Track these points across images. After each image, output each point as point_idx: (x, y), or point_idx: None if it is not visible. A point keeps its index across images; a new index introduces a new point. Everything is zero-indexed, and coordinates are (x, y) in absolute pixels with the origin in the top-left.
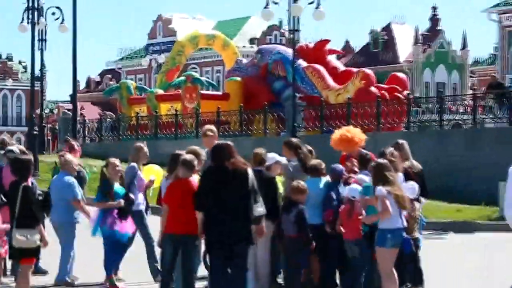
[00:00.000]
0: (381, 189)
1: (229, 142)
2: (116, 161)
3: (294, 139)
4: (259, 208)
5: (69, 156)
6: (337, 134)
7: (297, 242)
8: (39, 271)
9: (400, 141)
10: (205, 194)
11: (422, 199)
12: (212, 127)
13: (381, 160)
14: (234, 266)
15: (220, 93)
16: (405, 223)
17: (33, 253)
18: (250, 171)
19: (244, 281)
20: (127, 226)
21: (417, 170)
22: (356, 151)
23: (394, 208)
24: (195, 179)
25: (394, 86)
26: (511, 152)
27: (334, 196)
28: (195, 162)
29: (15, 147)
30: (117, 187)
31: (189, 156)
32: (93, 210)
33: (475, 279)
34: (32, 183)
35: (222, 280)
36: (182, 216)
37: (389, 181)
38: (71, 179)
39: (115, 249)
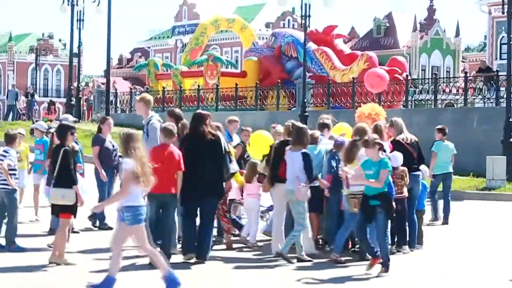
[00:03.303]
0: None
1: (205, 112)
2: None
3: (176, 109)
4: (234, 166)
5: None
6: (362, 109)
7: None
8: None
9: (394, 118)
10: (185, 156)
11: (424, 168)
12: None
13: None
14: (206, 216)
15: (238, 71)
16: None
17: (70, 210)
18: (221, 136)
19: (211, 230)
20: None
21: (411, 141)
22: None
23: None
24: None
25: (394, 68)
26: (497, 130)
27: (334, 164)
28: (174, 130)
29: (69, 115)
30: None
31: (168, 124)
32: None
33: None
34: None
35: (192, 227)
36: (163, 178)
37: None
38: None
39: None
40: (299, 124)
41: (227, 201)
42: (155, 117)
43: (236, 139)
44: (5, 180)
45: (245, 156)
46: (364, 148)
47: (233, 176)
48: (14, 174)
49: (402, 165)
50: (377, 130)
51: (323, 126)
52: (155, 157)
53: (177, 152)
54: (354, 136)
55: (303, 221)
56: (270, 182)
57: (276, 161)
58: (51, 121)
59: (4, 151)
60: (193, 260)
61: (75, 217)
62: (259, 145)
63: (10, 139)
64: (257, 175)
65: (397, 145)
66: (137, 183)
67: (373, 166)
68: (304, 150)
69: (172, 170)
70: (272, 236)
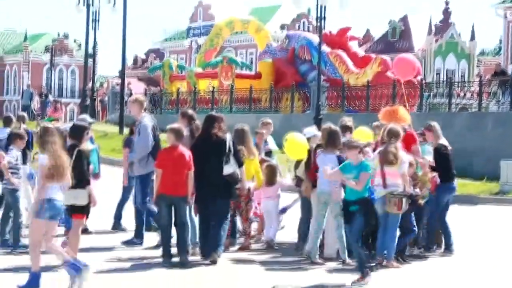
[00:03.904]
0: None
1: (218, 114)
2: None
3: (189, 110)
4: (228, 168)
5: None
6: (385, 110)
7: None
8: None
9: (432, 123)
10: (195, 157)
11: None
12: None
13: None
14: (215, 217)
15: (253, 73)
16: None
17: (83, 210)
18: (228, 137)
19: (222, 231)
20: None
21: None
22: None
23: None
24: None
25: None
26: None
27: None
28: (183, 131)
29: (87, 116)
30: None
31: (178, 126)
32: None
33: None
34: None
35: (206, 230)
36: (173, 179)
37: None
38: None
39: None
40: (332, 126)
41: (249, 202)
42: (146, 117)
43: (271, 142)
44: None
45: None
46: (347, 151)
47: (235, 178)
48: (16, 173)
49: (444, 172)
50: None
51: (345, 129)
52: (164, 159)
53: (187, 153)
54: (386, 138)
55: (342, 221)
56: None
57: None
58: (57, 120)
59: (8, 149)
60: (207, 261)
61: (87, 217)
62: (295, 150)
63: (14, 138)
64: (287, 178)
65: (442, 149)
66: (51, 178)
67: (354, 170)
68: (338, 154)
69: (182, 171)
70: (309, 241)
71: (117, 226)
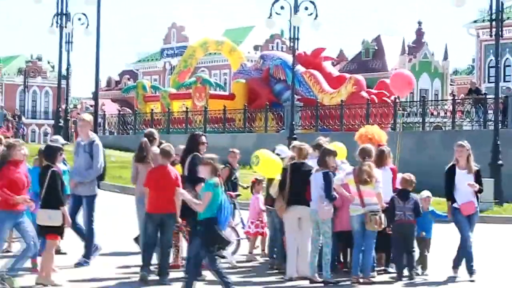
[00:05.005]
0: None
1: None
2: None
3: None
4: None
5: None
6: (361, 131)
7: (414, 226)
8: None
9: (465, 142)
10: None
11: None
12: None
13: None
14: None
15: (226, 93)
16: None
17: (57, 231)
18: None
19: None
20: None
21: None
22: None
23: None
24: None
25: (382, 91)
26: (485, 152)
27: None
28: (172, 152)
29: (60, 137)
30: None
31: (167, 146)
32: None
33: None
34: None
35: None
36: (161, 197)
37: None
38: None
39: None
40: (325, 145)
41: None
42: (96, 137)
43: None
44: None
45: (233, 178)
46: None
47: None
48: None
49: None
50: (382, 155)
51: (316, 147)
52: (152, 178)
53: (174, 173)
54: (360, 157)
55: (329, 240)
56: (287, 204)
57: (292, 182)
58: (8, 137)
59: None
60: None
61: (62, 238)
62: (270, 168)
63: None
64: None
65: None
66: None
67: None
68: (326, 170)
69: (170, 190)
70: (287, 260)
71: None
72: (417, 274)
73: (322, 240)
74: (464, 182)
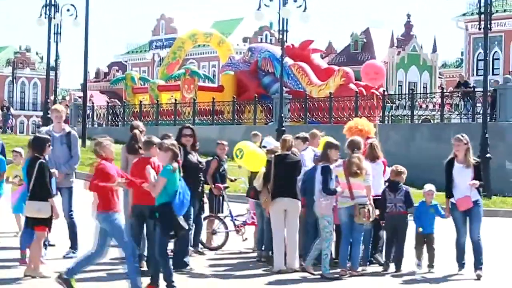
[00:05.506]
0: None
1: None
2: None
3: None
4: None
5: None
6: (350, 124)
7: (406, 217)
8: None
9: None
10: None
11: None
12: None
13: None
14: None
15: (215, 85)
16: None
17: (45, 222)
18: None
19: None
20: None
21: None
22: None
23: None
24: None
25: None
26: (474, 145)
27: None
28: (155, 141)
29: (45, 129)
30: None
31: (149, 136)
32: None
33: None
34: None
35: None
36: (144, 189)
37: None
38: None
39: None
40: (329, 139)
41: None
42: (68, 127)
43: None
44: None
45: (221, 170)
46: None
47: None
48: None
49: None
50: (371, 147)
51: (305, 140)
52: (137, 170)
53: (158, 164)
54: (349, 149)
55: (328, 234)
56: (272, 197)
57: (277, 175)
58: None
59: None
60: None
61: (50, 230)
62: (254, 161)
63: None
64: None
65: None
66: None
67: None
68: (325, 164)
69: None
70: (275, 253)
71: None
72: (425, 268)
73: (322, 235)
74: (461, 176)
